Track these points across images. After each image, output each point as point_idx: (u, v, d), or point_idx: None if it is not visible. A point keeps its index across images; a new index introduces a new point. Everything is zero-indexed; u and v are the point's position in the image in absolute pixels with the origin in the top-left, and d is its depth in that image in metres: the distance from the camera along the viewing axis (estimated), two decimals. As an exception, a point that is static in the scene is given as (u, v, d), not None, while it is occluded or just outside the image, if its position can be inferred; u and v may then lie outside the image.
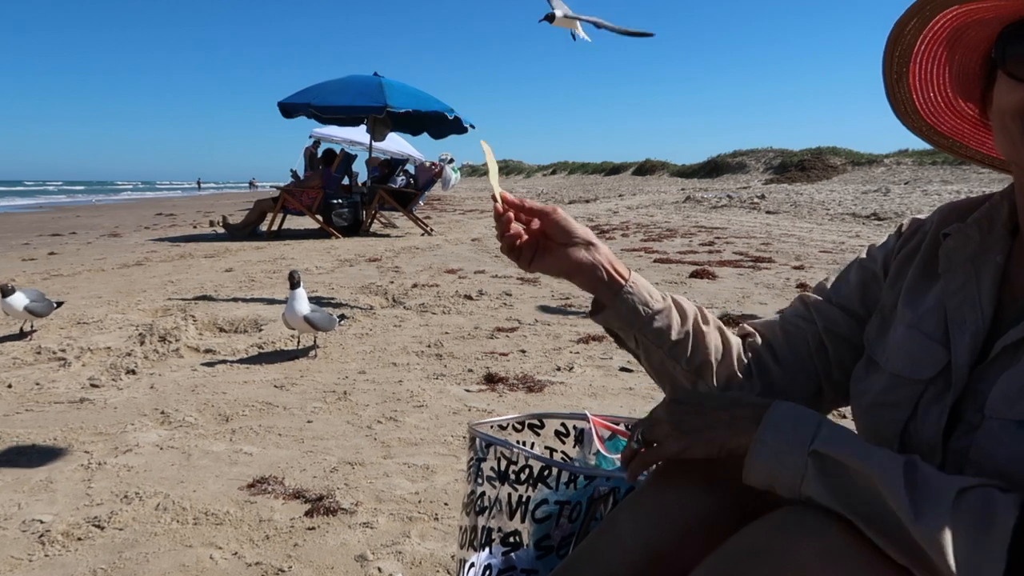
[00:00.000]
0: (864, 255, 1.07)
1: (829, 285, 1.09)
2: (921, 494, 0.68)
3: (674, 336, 1.06)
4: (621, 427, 1.50)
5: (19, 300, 3.97)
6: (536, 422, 1.56)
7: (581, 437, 1.53)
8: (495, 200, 1.06)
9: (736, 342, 1.11)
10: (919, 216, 1.04)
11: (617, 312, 1.05)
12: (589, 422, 1.50)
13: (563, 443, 1.54)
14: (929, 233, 0.97)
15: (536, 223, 1.03)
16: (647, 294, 1.06)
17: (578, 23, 3.83)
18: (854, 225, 11.60)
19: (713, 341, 1.08)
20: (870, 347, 1.00)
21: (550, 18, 3.65)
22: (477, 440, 1.37)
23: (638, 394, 3.11)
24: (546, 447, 1.53)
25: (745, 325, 1.17)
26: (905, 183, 21.08)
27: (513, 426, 1.55)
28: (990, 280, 0.87)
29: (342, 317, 4.21)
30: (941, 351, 0.87)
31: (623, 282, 1.05)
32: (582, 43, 4.11)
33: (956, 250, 0.91)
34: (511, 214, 1.03)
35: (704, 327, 1.08)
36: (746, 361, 1.10)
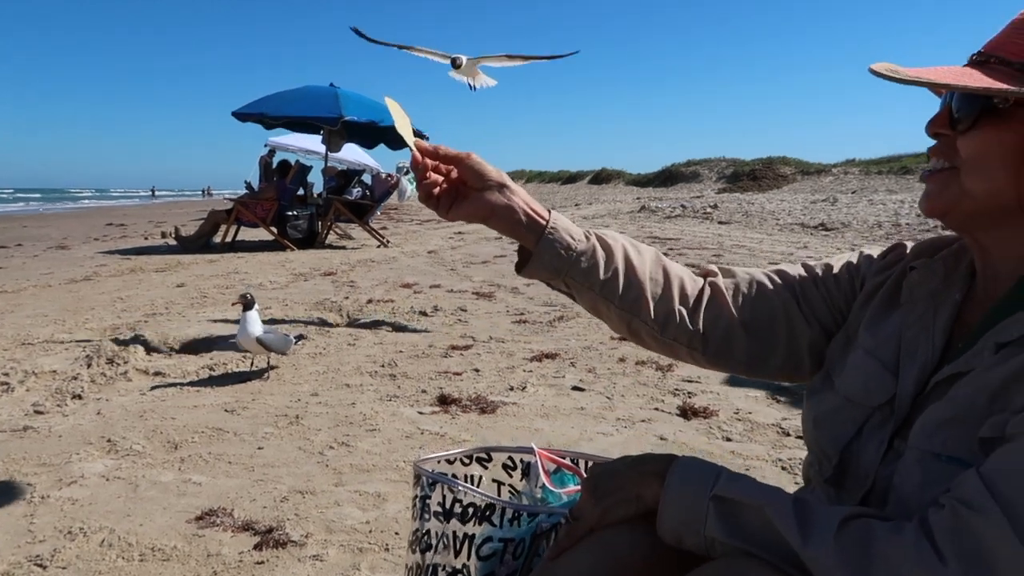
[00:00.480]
0: (855, 259, 1.09)
1: (815, 267, 1.11)
2: (808, 524, 0.74)
3: (601, 275, 1.06)
4: (567, 460, 1.54)
5: None
6: (483, 455, 1.59)
7: (528, 470, 1.56)
8: (411, 149, 1.06)
9: (681, 278, 1.11)
10: (907, 243, 1.07)
11: (540, 260, 1.05)
12: (535, 455, 1.54)
13: (510, 476, 1.57)
14: (900, 265, 1.02)
15: (454, 172, 1.04)
16: (568, 236, 1.05)
17: (477, 69, 3.76)
18: (803, 236, 11.89)
19: (648, 275, 1.08)
20: (830, 363, 1.04)
21: (456, 64, 3.60)
22: (423, 477, 1.40)
23: (589, 414, 3.17)
24: (493, 480, 1.56)
25: (714, 267, 1.17)
26: (852, 192, 21.68)
27: (461, 460, 1.57)
28: (946, 316, 0.92)
29: (300, 337, 4.18)
30: (891, 380, 0.91)
31: (543, 223, 1.05)
32: (483, 90, 4.00)
33: (920, 284, 0.96)
34: (428, 162, 1.04)
35: (635, 260, 1.08)
36: (695, 298, 1.11)
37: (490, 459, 1.58)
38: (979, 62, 0.84)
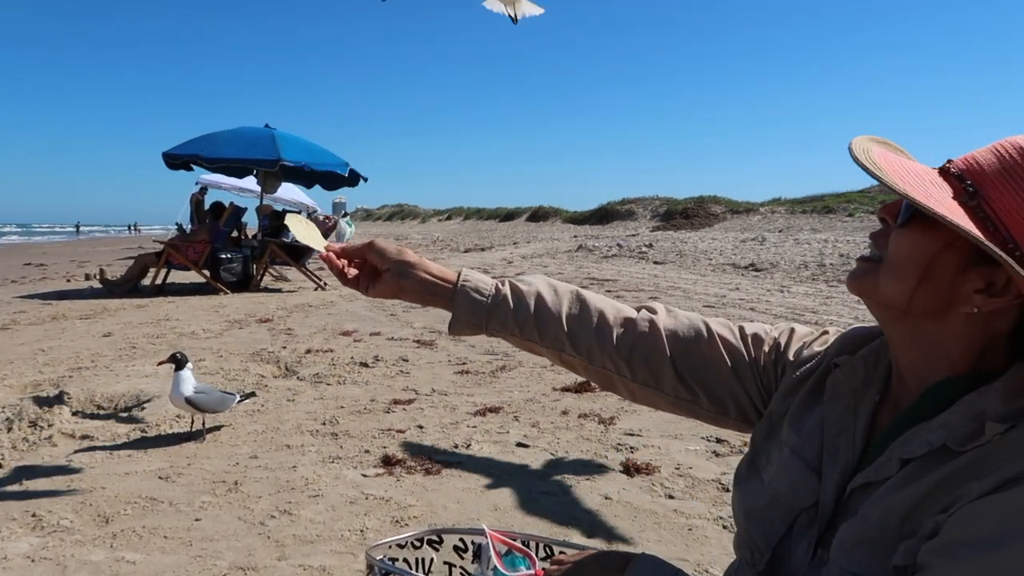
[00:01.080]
0: (783, 339, 1.12)
1: (748, 335, 1.14)
2: None
3: (517, 321, 1.15)
4: (518, 543, 1.54)
5: None
6: (435, 538, 1.58)
7: (479, 552, 1.56)
8: (323, 258, 1.21)
9: (601, 310, 1.17)
10: (830, 331, 1.10)
11: (457, 319, 1.16)
12: (487, 537, 1.54)
13: (462, 559, 1.56)
14: (824, 361, 1.04)
15: (362, 259, 1.19)
16: (476, 294, 1.15)
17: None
18: (735, 276, 12.25)
19: (565, 312, 1.16)
20: (755, 450, 1.07)
21: None
22: (375, 569, 1.38)
23: (535, 473, 3.17)
24: (445, 562, 1.56)
25: (658, 305, 1.21)
26: (779, 231, 22.46)
27: (412, 543, 1.57)
28: (865, 417, 0.94)
29: (249, 395, 4.06)
30: (816, 482, 0.94)
31: (450, 287, 1.16)
32: (529, 20, 3.59)
33: (841, 382, 0.98)
34: (342, 262, 1.19)
35: (549, 300, 1.16)
36: (623, 329, 1.15)
37: (441, 541, 1.58)
38: (951, 174, 0.85)
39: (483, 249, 22.85)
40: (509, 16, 3.76)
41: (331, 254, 1.19)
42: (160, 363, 3.83)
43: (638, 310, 1.20)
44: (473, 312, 1.15)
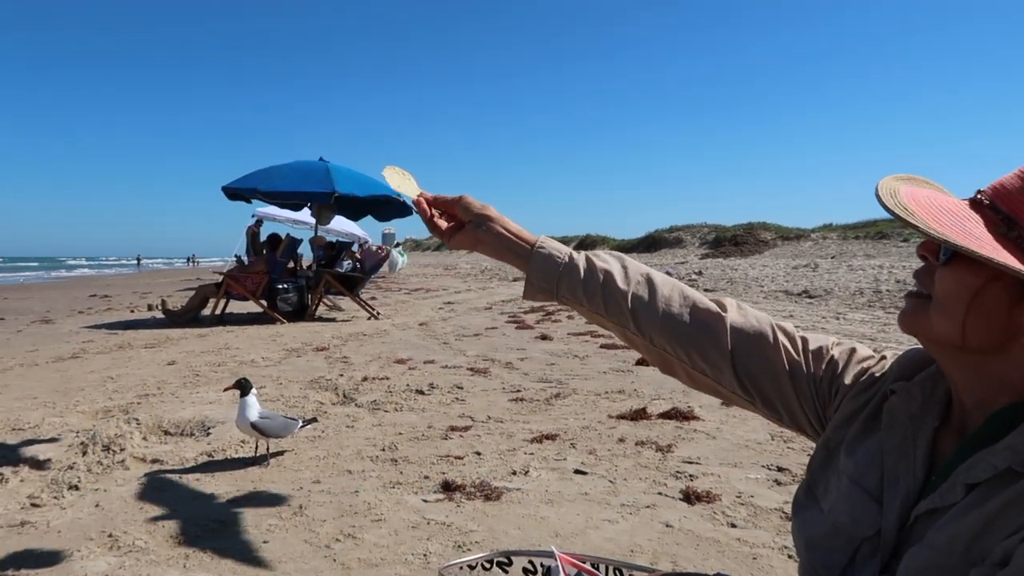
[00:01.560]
0: (841, 360, 1.10)
1: (811, 348, 1.13)
2: None
3: (585, 291, 1.19)
4: (588, 565, 1.56)
5: None
6: (504, 560, 1.61)
7: (548, 574, 1.58)
8: (420, 202, 1.31)
9: (670, 296, 1.18)
10: (887, 355, 1.09)
11: (530, 282, 1.21)
12: (556, 560, 1.56)
13: (531, 581, 1.59)
14: (882, 388, 1.03)
15: (450, 212, 1.28)
16: (552, 260, 1.20)
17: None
18: (787, 304, 12.05)
19: (632, 291, 1.18)
20: (812, 477, 1.06)
21: None
22: (450, 587, 1.42)
23: (593, 499, 3.17)
24: (514, 585, 1.58)
25: (729, 300, 1.21)
26: (832, 257, 22.07)
27: (482, 565, 1.59)
28: (925, 443, 0.93)
29: (311, 420, 4.16)
30: (876, 511, 0.93)
31: (527, 247, 1.22)
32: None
33: (899, 408, 0.97)
34: (433, 211, 1.29)
35: (617, 277, 1.19)
36: (689, 318, 1.16)
37: (510, 563, 1.61)
38: (983, 205, 0.85)
39: (531, 278, 22.91)
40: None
41: (423, 201, 1.29)
42: (226, 389, 3.94)
43: (711, 300, 1.21)
44: (546, 275, 1.20)
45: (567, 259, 1.21)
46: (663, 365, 1.22)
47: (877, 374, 1.07)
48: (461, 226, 1.27)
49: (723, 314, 1.17)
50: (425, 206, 1.29)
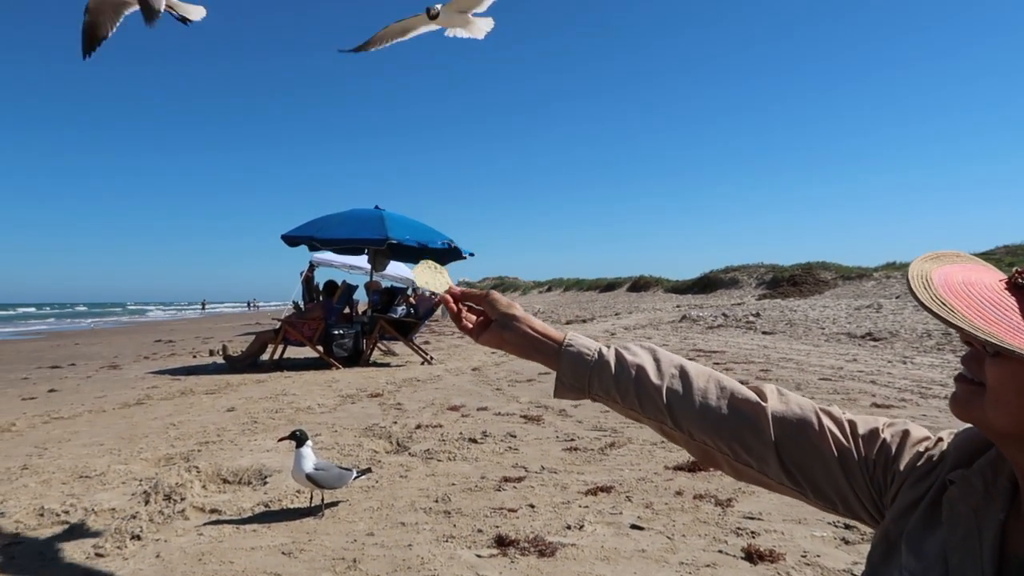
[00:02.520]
0: (894, 444, 1.05)
1: (859, 431, 1.08)
2: None
3: (618, 390, 1.17)
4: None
5: None
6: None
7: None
8: (447, 299, 1.32)
9: (705, 388, 1.15)
10: (944, 436, 1.03)
11: (561, 382, 1.20)
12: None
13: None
14: (939, 477, 0.98)
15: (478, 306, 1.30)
16: (579, 355, 1.19)
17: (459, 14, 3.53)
18: (850, 347, 11.69)
19: (666, 385, 1.15)
20: (873, 572, 1.01)
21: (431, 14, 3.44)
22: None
23: (651, 557, 3.08)
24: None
25: (770, 387, 1.17)
26: (896, 297, 21.38)
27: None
28: (992, 537, 0.87)
29: (365, 471, 4.18)
30: None
31: (554, 346, 1.21)
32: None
33: (959, 500, 0.92)
34: (460, 307, 1.30)
35: (650, 372, 1.16)
36: (727, 409, 1.12)
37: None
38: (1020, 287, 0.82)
39: (584, 320, 22.81)
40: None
41: (450, 298, 1.31)
42: (280, 439, 3.99)
43: (748, 389, 1.17)
44: (576, 374, 1.18)
45: (596, 355, 1.19)
46: (704, 458, 1.18)
47: (935, 457, 1.01)
48: (488, 322, 1.28)
49: (763, 404, 1.13)
50: (452, 304, 1.30)
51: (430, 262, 1.41)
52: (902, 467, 1.02)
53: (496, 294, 1.28)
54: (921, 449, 1.03)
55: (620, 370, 1.17)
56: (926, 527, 0.95)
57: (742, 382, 1.19)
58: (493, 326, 1.25)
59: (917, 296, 0.84)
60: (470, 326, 1.28)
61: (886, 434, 1.07)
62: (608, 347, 1.21)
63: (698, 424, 1.13)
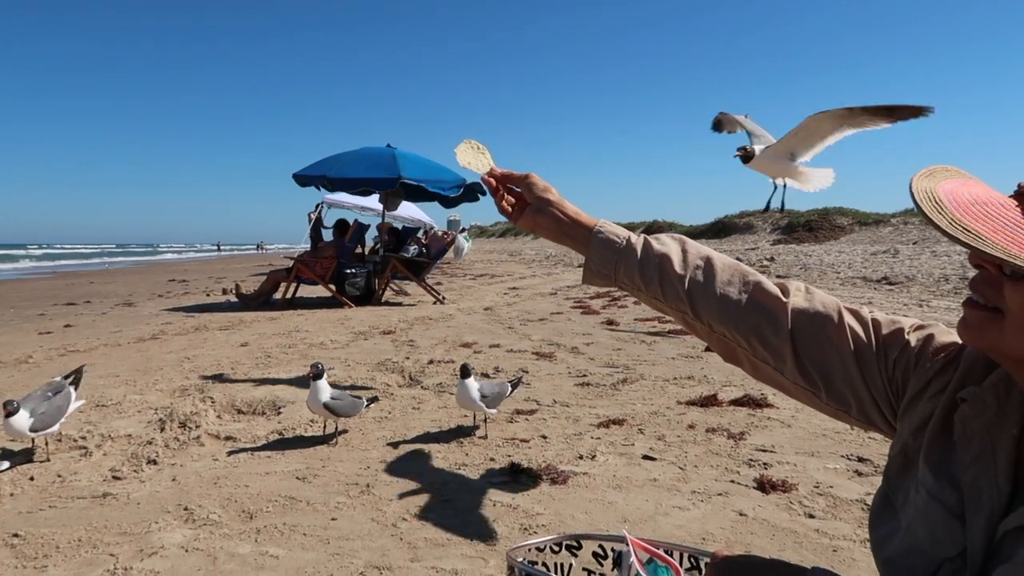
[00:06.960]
0: (915, 340, 1.01)
1: (883, 329, 1.04)
2: None
3: (644, 277, 1.15)
4: (661, 551, 1.49)
5: (21, 421, 3.40)
6: (574, 543, 1.56)
7: (619, 559, 1.52)
8: (488, 180, 1.32)
9: (728, 279, 1.12)
10: (956, 340, 0.99)
11: (589, 267, 1.19)
12: (628, 544, 1.50)
13: (601, 565, 1.53)
14: (949, 392, 0.94)
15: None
16: (609, 244, 1.17)
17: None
18: (866, 290, 11.60)
19: (689, 276, 1.14)
20: (889, 485, 0.99)
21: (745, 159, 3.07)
22: (516, 570, 1.37)
23: (663, 486, 3.08)
24: (584, 569, 1.53)
25: (794, 284, 1.14)
26: (913, 243, 21.14)
27: (551, 547, 1.55)
28: (1006, 453, 0.85)
29: (372, 400, 4.20)
30: (959, 529, 0.86)
31: (585, 230, 1.20)
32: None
33: (972, 418, 0.89)
34: (500, 187, 1.30)
35: (675, 261, 1.14)
36: (747, 303, 1.10)
37: (580, 547, 1.55)
38: None
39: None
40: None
41: (492, 180, 1.30)
42: (307, 375, 3.91)
43: (775, 285, 1.14)
44: (604, 259, 1.17)
45: (624, 243, 1.17)
46: (726, 353, 1.16)
47: (944, 359, 0.98)
48: (526, 205, 1.27)
49: (785, 298, 1.09)
50: (493, 183, 1.30)
51: (473, 141, 1.38)
52: (924, 373, 0.98)
53: (535, 176, 1.27)
54: (944, 354, 0.99)
55: (646, 257, 1.16)
56: (942, 442, 0.93)
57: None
58: (528, 210, 1.25)
59: (934, 221, 0.78)
60: (509, 209, 1.28)
61: (911, 337, 1.02)
62: (637, 235, 1.19)
63: (718, 315, 1.11)
